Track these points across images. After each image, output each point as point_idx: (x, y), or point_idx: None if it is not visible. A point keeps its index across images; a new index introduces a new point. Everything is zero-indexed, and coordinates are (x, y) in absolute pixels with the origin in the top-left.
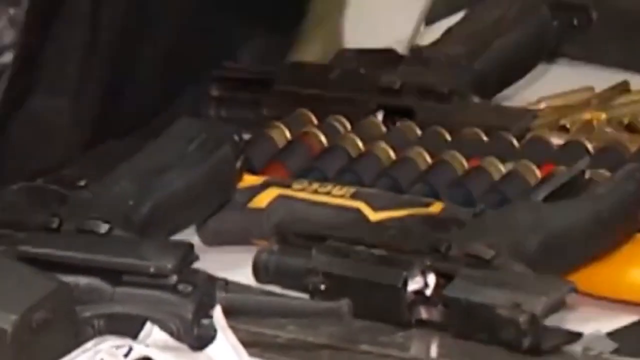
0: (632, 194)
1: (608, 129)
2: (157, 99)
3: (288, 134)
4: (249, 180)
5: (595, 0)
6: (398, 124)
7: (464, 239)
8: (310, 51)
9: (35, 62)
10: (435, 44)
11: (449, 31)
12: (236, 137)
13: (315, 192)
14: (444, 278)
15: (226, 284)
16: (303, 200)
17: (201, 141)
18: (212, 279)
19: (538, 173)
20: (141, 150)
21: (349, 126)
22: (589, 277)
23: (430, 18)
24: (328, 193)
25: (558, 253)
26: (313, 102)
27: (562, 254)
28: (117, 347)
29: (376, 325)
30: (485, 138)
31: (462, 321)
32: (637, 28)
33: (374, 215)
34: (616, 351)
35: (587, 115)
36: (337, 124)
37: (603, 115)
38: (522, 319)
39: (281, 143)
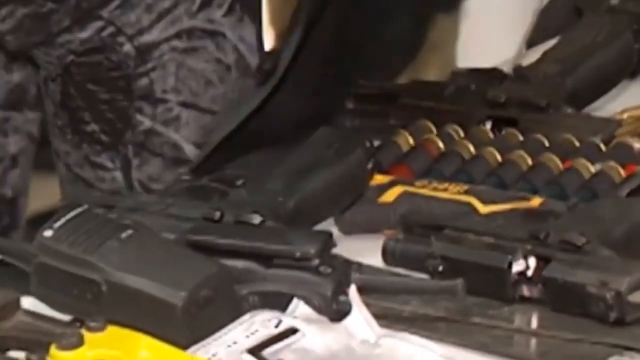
0: None
1: None
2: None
3: (411, 141)
4: (379, 179)
5: None
6: (503, 131)
7: (559, 228)
8: (430, 70)
9: None
10: (534, 64)
11: (546, 53)
12: (368, 143)
13: (434, 189)
14: (543, 261)
15: (360, 266)
16: (424, 196)
17: (338, 147)
18: (348, 262)
19: (622, 172)
20: (288, 154)
21: (462, 134)
22: None
23: (530, 42)
24: (445, 190)
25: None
26: (432, 114)
27: None
28: (269, 319)
29: (485, 301)
30: (577, 143)
31: (558, 298)
32: None
33: (483, 209)
34: None
35: None
36: (452, 132)
37: None
38: (609, 295)
39: (405, 148)
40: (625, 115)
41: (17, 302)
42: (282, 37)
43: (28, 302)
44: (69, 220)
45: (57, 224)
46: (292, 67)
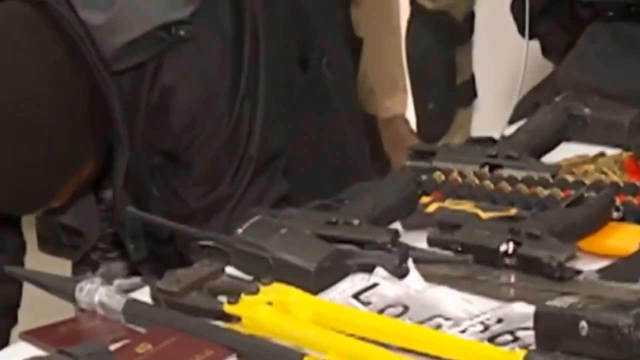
0: (606, 204)
1: (595, 174)
2: None
3: (443, 177)
4: (424, 199)
5: (590, 115)
6: (495, 172)
7: (527, 226)
8: (455, 139)
9: None
10: (513, 134)
11: (519, 128)
12: (418, 179)
13: (456, 204)
14: (517, 244)
15: (414, 248)
16: (450, 209)
17: (402, 182)
18: (407, 246)
19: (562, 194)
20: (374, 186)
21: (472, 173)
22: (587, 243)
23: (510, 122)
24: (462, 205)
25: (571, 232)
26: (455, 162)
27: (573, 233)
28: (363, 277)
29: (484, 267)
30: (536, 178)
31: (526, 265)
32: (611, 128)
33: (484, 215)
34: (600, 279)
35: (584, 167)
36: (466, 172)
37: (592, 167)
38: (555, 263)
39: (439, 181)
40: (563, 162)
41: (223, 269)
42: None
43: (229, 269)
44: (251, 224)
45: (245, 226)
46: None
